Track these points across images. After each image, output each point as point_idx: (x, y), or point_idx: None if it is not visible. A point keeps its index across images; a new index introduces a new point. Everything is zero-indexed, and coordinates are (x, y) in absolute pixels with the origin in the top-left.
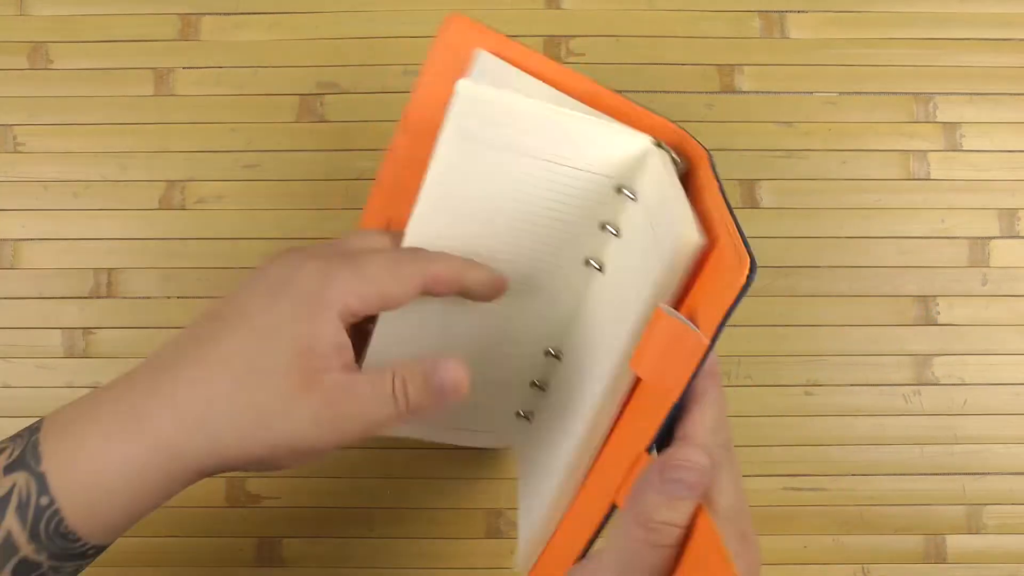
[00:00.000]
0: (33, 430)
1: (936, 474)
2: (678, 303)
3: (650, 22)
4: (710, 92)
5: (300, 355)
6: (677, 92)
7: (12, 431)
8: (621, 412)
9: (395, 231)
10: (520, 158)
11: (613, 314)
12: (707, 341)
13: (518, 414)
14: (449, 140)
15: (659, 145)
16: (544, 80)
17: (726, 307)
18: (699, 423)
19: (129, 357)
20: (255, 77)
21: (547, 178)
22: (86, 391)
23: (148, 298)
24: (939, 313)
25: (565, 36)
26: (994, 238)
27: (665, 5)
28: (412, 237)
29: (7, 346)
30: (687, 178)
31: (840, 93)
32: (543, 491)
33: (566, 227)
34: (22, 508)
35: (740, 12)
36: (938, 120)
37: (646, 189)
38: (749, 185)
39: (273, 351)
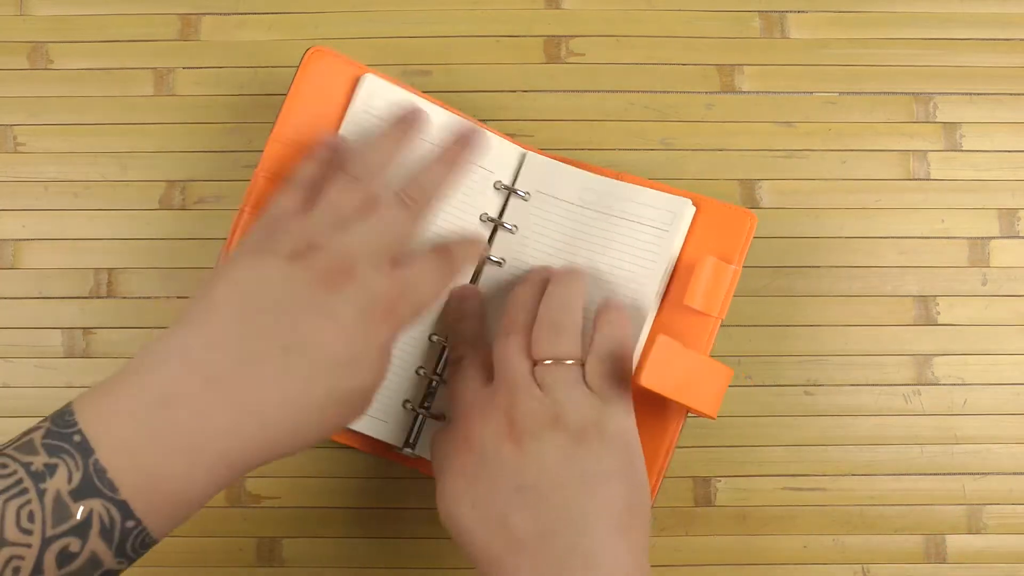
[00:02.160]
0: (84, 449)
1: (936, 474)
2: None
3: (650, 22)
4: (710, 92)
5: (380, 377)
6: (677, 92)
7: (13, 431)
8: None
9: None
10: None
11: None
12: (739, 268)
13: (405, 404)
14: (350, 115)
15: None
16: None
17: (745, 248)
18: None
19: (129, 357)
20: (255, 77)
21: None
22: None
23: (148, 298)
24: (939, 313)
25: (565, 36)
26: (994, 238)
27: (665, 5)
28: None
29: (7, 346)
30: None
31: (840, 93)
32: None
33: (450, 215)
34: (106, 532)
35: (740, 12)
36: (938, 120)
37: (537, 189)
38: (749, 185)
39: (356, 380)
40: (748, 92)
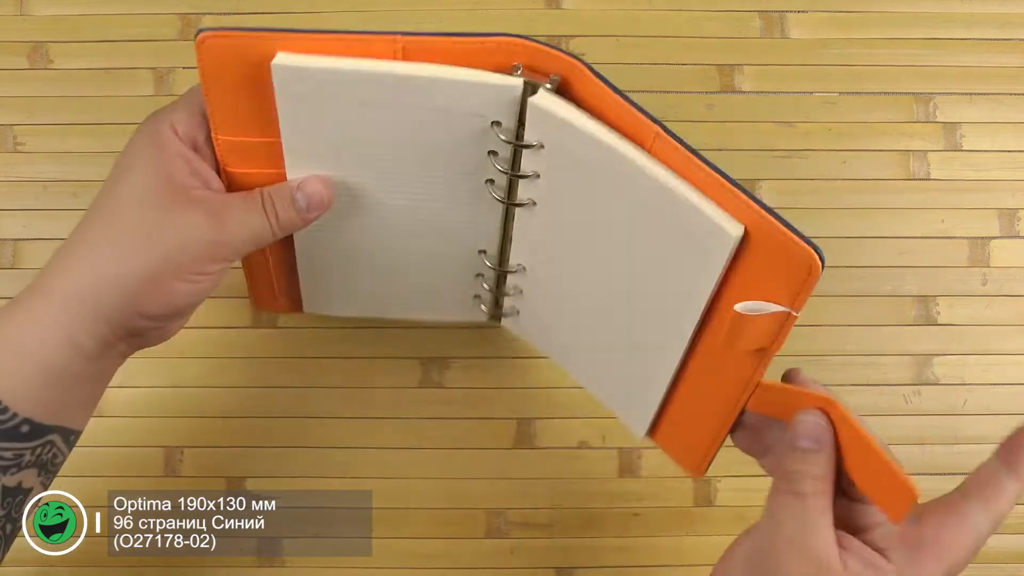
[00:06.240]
0: None
1: (936, 474)
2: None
3: (650, 22)
4: (710, 92)
5: (162, 181)
6: (677, 92)
7: None
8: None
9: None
10: (363, 107)
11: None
12: (796, 315)
13: (476, 297)
14: (283, 109)
15: (526, 82)
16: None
17: (807, 294)
18: None
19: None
20: None
21: (398, 119)
22: None
23: None
24: (939, 313)
25: (565, 36)
26: (994, 238)
27: (665, 5)
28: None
29: None
30: (564, 92)
31: (840, 93)
32: (624, 372)
33: (444, 157)
34: None
35: (740, 12)
36: (938, 120)
37: (555, 136)
38: (749, 185)
39: (136, 187)
40: (748, 92)
